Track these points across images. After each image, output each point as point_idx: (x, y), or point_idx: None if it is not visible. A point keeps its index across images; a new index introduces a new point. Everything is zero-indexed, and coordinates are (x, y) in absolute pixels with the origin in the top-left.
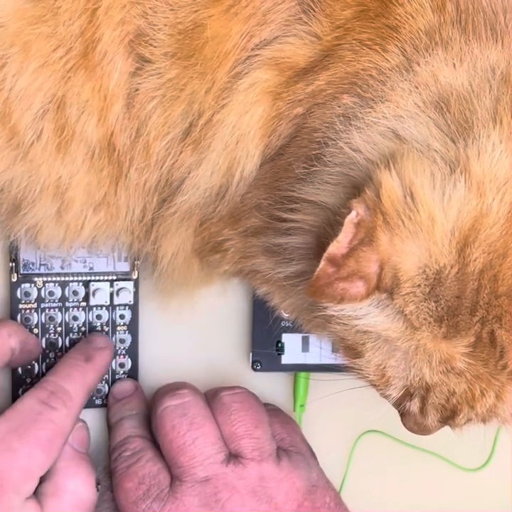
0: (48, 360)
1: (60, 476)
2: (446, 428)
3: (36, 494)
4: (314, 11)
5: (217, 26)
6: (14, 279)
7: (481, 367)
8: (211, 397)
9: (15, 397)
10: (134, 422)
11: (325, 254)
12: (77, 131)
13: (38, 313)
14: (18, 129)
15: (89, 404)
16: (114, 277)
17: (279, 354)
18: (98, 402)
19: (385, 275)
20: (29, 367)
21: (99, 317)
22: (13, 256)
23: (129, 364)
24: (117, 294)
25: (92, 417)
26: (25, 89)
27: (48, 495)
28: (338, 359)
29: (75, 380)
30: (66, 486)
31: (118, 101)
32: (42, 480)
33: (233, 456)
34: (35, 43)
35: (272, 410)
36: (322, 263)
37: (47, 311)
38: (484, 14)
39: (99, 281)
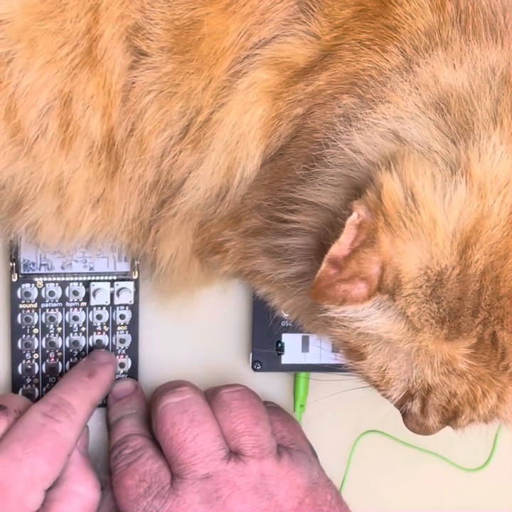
0: (47, 360)
1: (71, 482)
2: (447, 428)
3: (46, 500)
4: (313, 10)
5: (214, 23)
6: (14, 279)
7: (483, 368)
8: (211, 395)
9: None
10: (134, 420)
11: (326, 256)
12: (82, 127)
13: (38, 314)
14: (22, 125)
15: None
16: (115, 277)
17: (279, 354)
18: None
19: (386, 277)
20: (29, 367)
21: (99, 317)
22: (14, 256)
23: (129, 364)
24: (118, 294)
25: (92, 417)
26: (32, 86)
27: (58, 500)
28: (338, 359)
29: (78, 393)
30: (77, 491)
31: (119, 95)
32: (52, 486)
33: (234, 454)
34: (42, 39)
35: (273, 408)
36: (324, 265)
37: (47, 311)
38: (484, 14)
39: (99, 281)
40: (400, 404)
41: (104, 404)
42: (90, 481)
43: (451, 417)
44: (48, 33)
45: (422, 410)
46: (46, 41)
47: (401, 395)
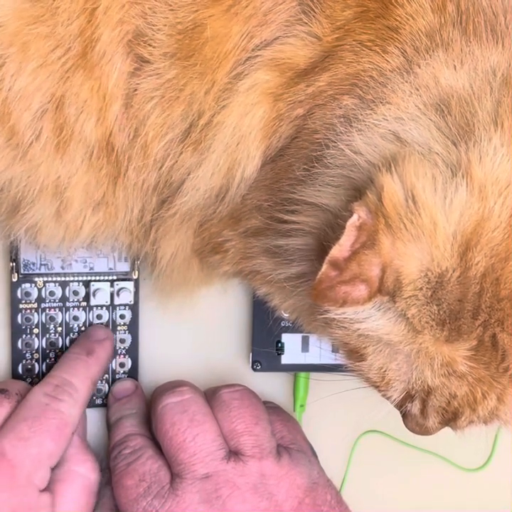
0: (48, 360)
1: (72, 463)
2: (447, 428)
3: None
4: (314, 11)
5: (217, 26)
6: (15, 279)
7: (483, 370)
8: (211, 395)
9: None
10: (134, 420)
11: (327, 258)
12: (76, 131)
13: (38, 313)
14: (17, 129)
15: (90, 403)
16: (115, 277)
17: (279, 354)
18: (98, 401)
19: (387, 278)
20: (29, 367)
21: (99, 317)
22: (14, 256)
23: (129, 364)
24: (118, 294)
25: (92, 417)
26: (24, 89)
27: (60, 480)
28: (338, 359)
29: (78, 372)
30: (78, 472)
31: (117, 101)
32: (53, 467)
33: (233, 453)
34: (34, 43)
35: (272, 408)
36: (324, 266)
37: (47, 311)
38: (485, 15)
39: (99, 281)
40: (399, 405)
41: (104, 404)
42: (90, 462)
43: (451, 419)
44: (39, 36)
45: (422, 411)
46: (38, 45)
47: (401, 396)
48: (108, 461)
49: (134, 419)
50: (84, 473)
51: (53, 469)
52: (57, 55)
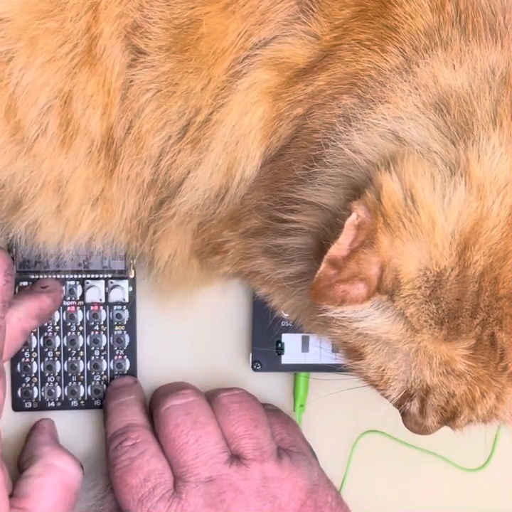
0: (46, 359)
1: (47, 457)
2: (447, 428)
3: (22, 478)
4: (313, 10)
5: (213, 23)
6: None
7: (482, 369)
8: (210, 399)
9: (13, 396)
10: (134, 407)
11: (326, 257)
12: (82, 125)
13: None
14: (22, 124)
15: (89, 404)
16: (110, 276)
17: (279, 354)
18: (97, 403)
19: (385, 277)
20: (28, 366)
21: (96, 316)
22: (12, 254)
23: (127, 364)
24: (114, 293)
25: (92, 418)
26: (32, 84)
27: (35, 475)
28: (338, 359)
29: None
30: (54, 465)
31: (119, 94)
32: (27, 465)
33: (235, 457)
34: (42, 38)
35: (272, 411)
36: (323, 265)
37: None
38: (484, 14)
39: (94, 279)
40: (398, 404)
41: (101, 405)
42: (67, 457)
43: (449, 418)
44: (48, 31)
45: (421, 410)
46: (46, 40)
47: (400, 395)
48: (108, 464)
49: (134, 406)
50: (61, 466)
51: (27, 467)
52: (65, 51)
